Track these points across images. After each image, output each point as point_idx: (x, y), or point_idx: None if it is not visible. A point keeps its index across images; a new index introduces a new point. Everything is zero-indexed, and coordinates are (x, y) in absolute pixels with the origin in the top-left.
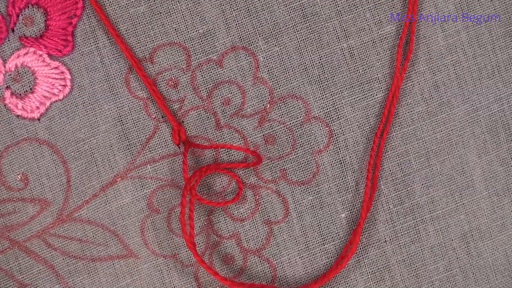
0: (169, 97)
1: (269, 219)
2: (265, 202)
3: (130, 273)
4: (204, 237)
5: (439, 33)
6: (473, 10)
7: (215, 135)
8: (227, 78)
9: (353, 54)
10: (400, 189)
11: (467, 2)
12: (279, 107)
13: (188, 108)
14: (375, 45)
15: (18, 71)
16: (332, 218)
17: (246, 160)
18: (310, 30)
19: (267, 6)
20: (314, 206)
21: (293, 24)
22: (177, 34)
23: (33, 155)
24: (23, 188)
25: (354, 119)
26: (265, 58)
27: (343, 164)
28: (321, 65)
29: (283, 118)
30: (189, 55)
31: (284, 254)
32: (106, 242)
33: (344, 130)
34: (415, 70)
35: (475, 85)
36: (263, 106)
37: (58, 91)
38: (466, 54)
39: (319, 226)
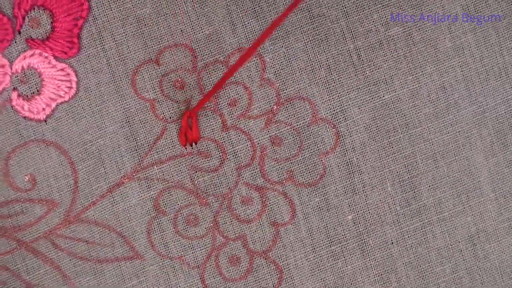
0: (175, 98)
1: (276, 221)
2: (271, 204)
3: (136, 274)
4: (211, 239)
5: (446, 35)
6: (480, 11)
7: (221, 136)
8: (234, 79)
9: (360, 55)
10: (407, 191)
11: (474, 3)
12: (285, 109)
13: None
14: (382, 46)
15: (24, 73)
16: (339, 220)
17: (253, 161)
18: (317, 31)
19: (274, 7)
20: (320, 208)
21: (300, 25)
22: (183, 35)
23: (41, 156)
24: (30, 189)
25: (361, 121)
26: (272, 59)
27: (350, 165)
28: (328, 66)
29: (289, 119)
30: (195, 56)
31: (290, 256)
32: (113, 243)
33: (351, 132)
34: (422, 71)
35: (482, 87)
36: (269, 108)
37: (64, 92)
38: (473, 56)
39: (326, 228)
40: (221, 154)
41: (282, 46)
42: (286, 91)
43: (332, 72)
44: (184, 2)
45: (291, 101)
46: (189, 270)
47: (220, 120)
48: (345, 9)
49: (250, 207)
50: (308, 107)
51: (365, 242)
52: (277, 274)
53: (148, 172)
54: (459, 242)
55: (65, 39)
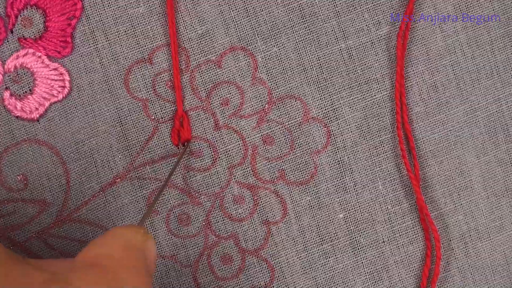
0: (168, 98)
1: (267, 220)
2: (263, 203)
3: None
4: (203, 238)
5: (437, 34)
6: (472, 10)
7: (213, 136)
8: (226, 79)
9: (351, 54)
10: (398, 190)
11: (466, 3)
12: (277, 108)
13: (187, 108)
14: (374, 45)
15: (17, 72)
16: (330, 219)
17: (245, 160)
18: (308, 31)
19: (266, 6)
20: (312, 207)
21: (292, 24)
22: (176, 34)
23: (33, 156)
24: (23, 189)
25: (352, 120)
26: (264, 59)
27: (341, 164)
28: (320, 66)
29: (281, 118)
30: (187, 56)
31: (282, 254)
32: None
33: (343, 131)
34: (413, 70)
35: (473, 86)
36: (261, 107)
37: (57, 92)
38: (464, 55)
39: (317, 227)
40: (213, 153)
41: (274, 46)
42: (278, 90)
43: (323, 71)
44: (177, 1)
45: (282, 100)
46: (181, 269)
47: (212, 120)
48: (336, 8)
49: (242, 206)
50: (299, 106)
51: (357, 240)
52: (268, 273)
53: (141, 171)
54: (450, 240)
55: (58, 38)
